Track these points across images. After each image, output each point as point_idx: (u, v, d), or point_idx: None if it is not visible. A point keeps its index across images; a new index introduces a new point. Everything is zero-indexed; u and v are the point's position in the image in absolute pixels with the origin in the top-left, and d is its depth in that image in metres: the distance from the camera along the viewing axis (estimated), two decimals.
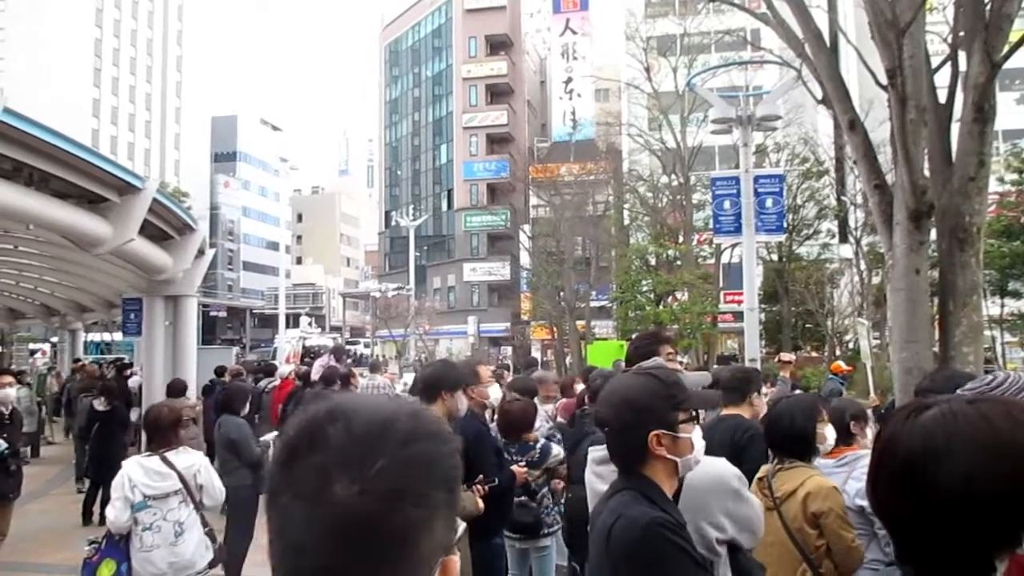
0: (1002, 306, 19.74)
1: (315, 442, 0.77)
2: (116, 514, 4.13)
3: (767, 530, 2.46)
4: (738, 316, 20.41)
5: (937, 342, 5.81)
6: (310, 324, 45.85)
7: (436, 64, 55.71)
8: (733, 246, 20.36)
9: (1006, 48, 5.20)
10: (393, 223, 54.15)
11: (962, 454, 0.92)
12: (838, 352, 22.46)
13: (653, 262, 25.37)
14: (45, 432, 15.26)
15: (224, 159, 72.83)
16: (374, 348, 41.97)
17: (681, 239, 24.87)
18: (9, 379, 6.94)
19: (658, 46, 28.94)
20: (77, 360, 20.13)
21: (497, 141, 50.45)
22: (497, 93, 51.51)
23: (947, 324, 5.31)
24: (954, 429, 0.95)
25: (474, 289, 49.24)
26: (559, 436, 5.27)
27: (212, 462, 5.12)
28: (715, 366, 16.36)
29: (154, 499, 4.17)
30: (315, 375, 9.83)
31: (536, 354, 32.48)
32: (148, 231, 11.40)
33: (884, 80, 5.16)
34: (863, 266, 22.12)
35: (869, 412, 4.84)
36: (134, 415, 10.55)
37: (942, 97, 5.55)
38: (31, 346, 30.66)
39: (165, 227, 12.20)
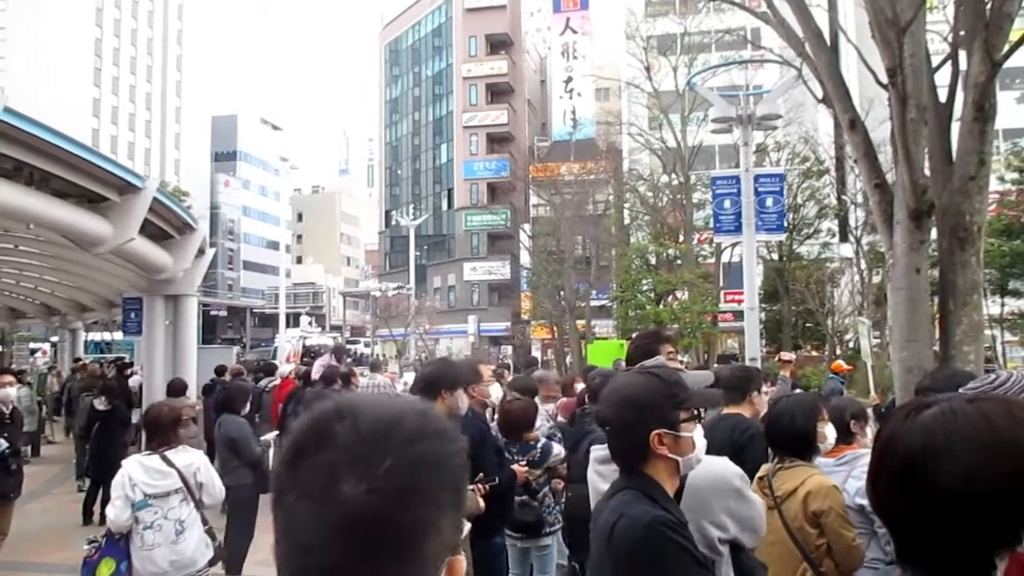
0: (1002, 305, 19.76)
1: (322, 440, 0.76)
2: (117, 513, 4.14)
3: (767, 529, 2.46)
4: (738, 315, 20.42)
5: (938, 341, 5.80)
6: (310, 323, 45.80)
7: (436, 63, 55.70)
8: (733, 245, 20.37)
9: (1006, 47, 5.19)
10: (393, 222, 54.16)
11: (962, 452, 0.93)
12: (838, 351, 22.48)
13: (653, 261, 25.38)
14: (46, 431, 15.27)
15: (224, 158, 72.82)
16: (374, 347, 41.95)
17: (681, 238, 24.87)
18: (10, 378, 6.94)
19: (658, 45, 28.94)
20: (78, 360, 20.14)
21: (497, 140, 50.43)
22: (497, 92, 51.49)
23: (948, 323, 5.31)
24: (954, 428, 0.95)
25: (474, 288, 49.23)
26: (559, 435, 5.28)
27: (212, 461, 5.12)
28: (715, 365, 16.36)
29: (155, 497, 4.18)
30: (315, 374, 9.83)
31: (536, 353, 32.49)
32: (148, 230, 11.41)
33: (884, 79, 5.16)
34: (863, 265, 22.14)
35: (869, 411, 4.85)
36: (135, 415, 10.56)
37: (942, 96, 5.55)
38: (31, 345, 30.66)
39: (165, 226, 12.20)
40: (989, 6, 5.13)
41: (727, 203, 11.65)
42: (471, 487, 3.71)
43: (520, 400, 5.13)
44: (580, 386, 6.12)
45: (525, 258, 34.57)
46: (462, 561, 0.82)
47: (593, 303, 28.16)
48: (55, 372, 19.49)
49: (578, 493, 4.14)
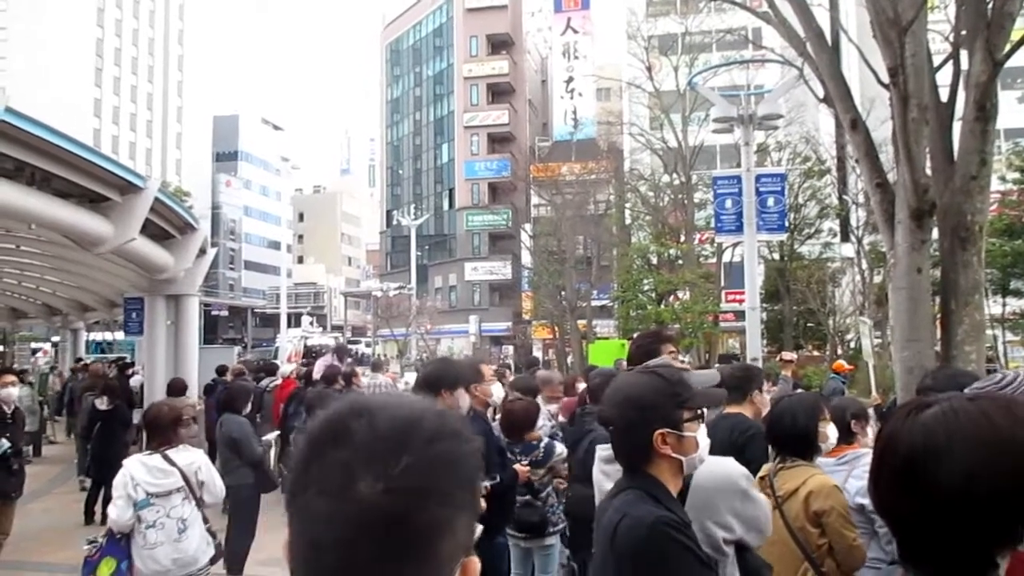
0: (1004, 305, 19.73)
1: (339, 438, 0.76)
2: (118, 512, 4.14)
3: None
4: (740, 315, 20.37)
5: (939, 341, 5.80)
6: (311, 323, 45.87)
7: (437, 63, 55.71)
8: (734, 245, 20.36)
9: (1008, 47, 5.20)
10: (394, 222, 54.20)
11: (963, 451, 0.93)
12: (840, 351, 22.46)
13: (655, 261, 25.36)
14: (47, 431, 15.28)
15: (225, 158, 72.86)
16: (375, 347, 41.97)
17: (683, 238, 24.84)
18: (11, 378, 6.95)
19: (659, 45, 28.89)
20: (79, 359, 20.18)
21: (498, 140, 50.43)
22: (498, 92, 51.50)
23: (949, 323, 5.31)
24: (955, 427, 0.95)
25: (475, 288, 49.24)
26: (561, 435, 5.28)
27: (214, 461, 5.13)
28: (717, 365, 16.33)
29: (157, 496, 4.19)
30: (317, 374, 9.85)
31: (537, 353, 32.50)
32: (150, 230, 11.42)
33: (886, 79, 5.16)
34: (865, 265, 22.12)
35: (871, 411, 4.85)
36: (136, 415, 10.57)
37: (944, 96, 5.55)
38: (33, 345, 30.73)
39: (167, 226, 12.21)
40: (991, 6, 5.13)
41: (728, 203, 11.65)
42: None
43: (522, 400, 5.14)
44: (582, 386, 6.13)
45: (526, 258, 34.57)
46: (476, 562, 0.81)
47: (594, 303, 28.13)
48: (56, 372, 19.52)
49: (579, 492, 4.15)
